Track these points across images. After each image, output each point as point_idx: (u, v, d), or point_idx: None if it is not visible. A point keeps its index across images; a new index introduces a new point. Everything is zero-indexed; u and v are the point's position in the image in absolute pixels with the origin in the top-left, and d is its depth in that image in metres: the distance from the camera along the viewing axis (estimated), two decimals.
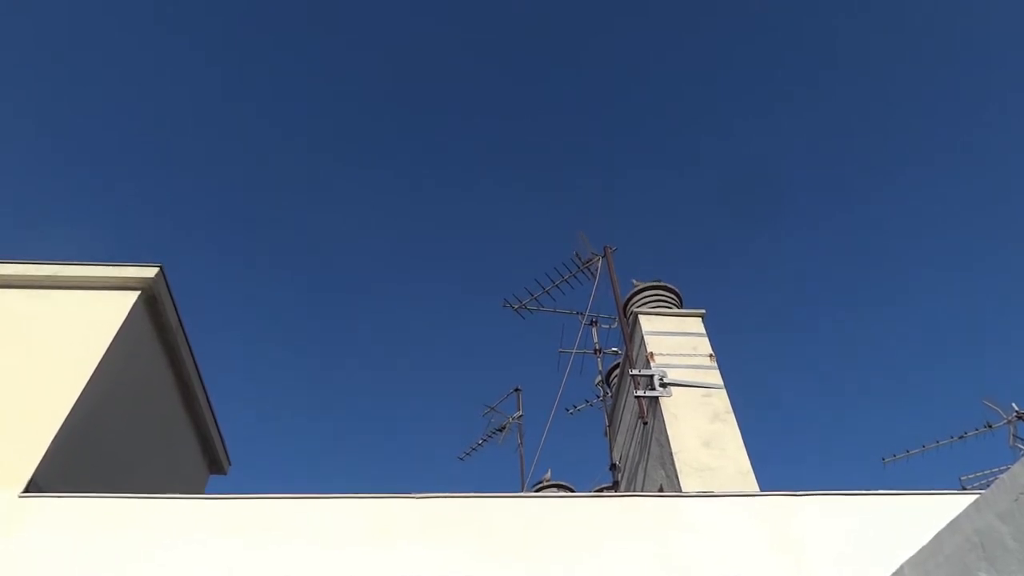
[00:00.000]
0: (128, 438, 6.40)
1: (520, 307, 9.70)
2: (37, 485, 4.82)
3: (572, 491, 9.20)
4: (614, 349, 9.32)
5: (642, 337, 7.07)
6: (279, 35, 30.23)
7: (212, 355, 19.00)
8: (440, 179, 34.01)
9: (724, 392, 6.47)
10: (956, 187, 29.99)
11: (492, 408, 11.24)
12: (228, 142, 31.55)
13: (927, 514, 3.92)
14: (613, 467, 8.42)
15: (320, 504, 4.72)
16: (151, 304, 6.35)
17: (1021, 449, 10.91)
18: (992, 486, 2.51)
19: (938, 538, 2.79)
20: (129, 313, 5.97)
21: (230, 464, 8.59)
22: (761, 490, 5.54)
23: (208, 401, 7.68)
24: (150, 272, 6.19)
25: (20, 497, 4.69)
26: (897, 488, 4.88)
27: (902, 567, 3.09)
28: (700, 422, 6.20)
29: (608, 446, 8.77)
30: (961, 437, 11.53)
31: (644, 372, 6.71)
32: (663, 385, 6.51)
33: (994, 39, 26.48)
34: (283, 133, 31.76)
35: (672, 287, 7.96)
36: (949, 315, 30.08)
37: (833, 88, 30.69)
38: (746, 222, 33.19)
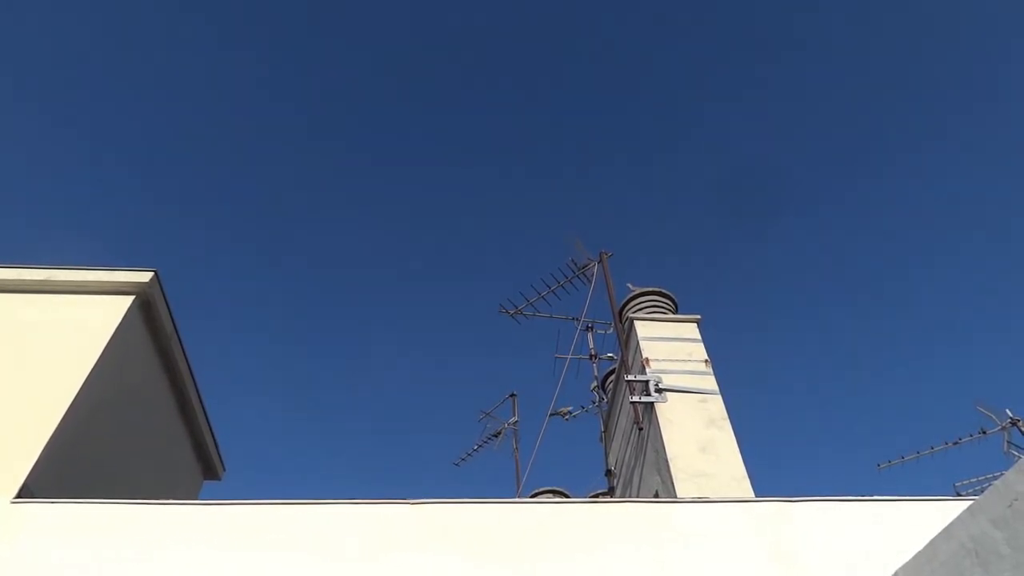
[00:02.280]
0: (122, 443, 6.38)
1: (516, 312, 9.67)
2: (30, 491, 4.80)
3: (567, 497, 9.19)
4: (610, 355, 9.33)
5: (638, 342, 7.09)
6: (273, 35, 30.27)
7: (207, 360, 18.98)
8: (435, 183, 34.05)
9: (719, 398, 6.48)
10: (953, 192, 30.13)
11: (487, 413, 11.21)
12: (223, 145, 31.54)
13: (921, 520, 3.94)
14: (608, 473, 8.41)
15: (316, 510, 4.71)
16: (146, 309, 6.34)
17: (1015, 455, 10.93)
18: (986, 492, 2.52)
19: (932, 544, 2.80)
20: (124, 318, 5.95)
21: (225, 470, 8.57)
22: (756, 496, 5.55)
23: (203, 406, 7.67)
24: (145, 277, 6.18)
25: (12, 503, 4.67)
26: (892, 494, 4.89)
27: (897, 573, 3.09)
28: (695, 428, 6.20)
29: (603, 452, 8.77)
30: (956, 443, 11.55)
31: (640, 377, 6.71)
32: (659, 390, 6.52)
33: (994, 38, 26.64)
34: (278, 136, 31.75)
35: (668, 292, 7.97)
36: (944, 320, 30.21)
37: (832, 91, 30.80)
38: (741, 225, 33.25)
